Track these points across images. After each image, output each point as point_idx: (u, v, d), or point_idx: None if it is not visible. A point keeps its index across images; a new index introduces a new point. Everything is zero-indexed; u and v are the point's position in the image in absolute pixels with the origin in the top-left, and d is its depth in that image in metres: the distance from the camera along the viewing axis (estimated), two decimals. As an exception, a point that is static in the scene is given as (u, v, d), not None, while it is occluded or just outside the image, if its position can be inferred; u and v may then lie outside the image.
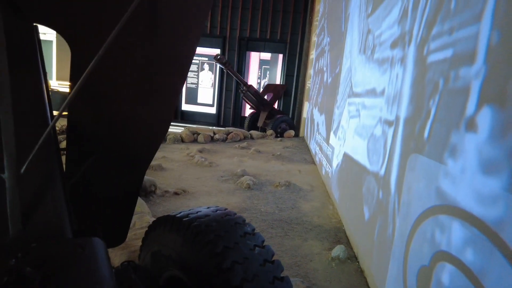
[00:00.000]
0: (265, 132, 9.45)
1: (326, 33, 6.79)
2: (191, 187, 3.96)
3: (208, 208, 1.34)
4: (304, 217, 3.23)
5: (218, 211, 1.30)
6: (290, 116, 11.29)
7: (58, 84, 10.94)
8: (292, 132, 9.54)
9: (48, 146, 0.87)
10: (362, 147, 2.64)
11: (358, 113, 2.97)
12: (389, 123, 2.05)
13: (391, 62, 2.16)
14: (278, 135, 9.47)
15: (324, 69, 6.23)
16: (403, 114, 1.84)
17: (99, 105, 1.07)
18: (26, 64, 1.00)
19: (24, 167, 0.74)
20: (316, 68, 7.94)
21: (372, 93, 2.57)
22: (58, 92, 9.32)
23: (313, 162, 5.98)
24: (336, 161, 3.83)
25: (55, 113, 0.87)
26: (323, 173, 4.74)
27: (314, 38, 9.51)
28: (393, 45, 2.15)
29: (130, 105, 1.11)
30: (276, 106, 11.04)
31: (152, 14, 0.89)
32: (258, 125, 10.11)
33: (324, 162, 4.72)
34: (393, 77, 2.07)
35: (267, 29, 11.67)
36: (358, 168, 2.70)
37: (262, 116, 10.03)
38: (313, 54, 9.50)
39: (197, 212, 1.27)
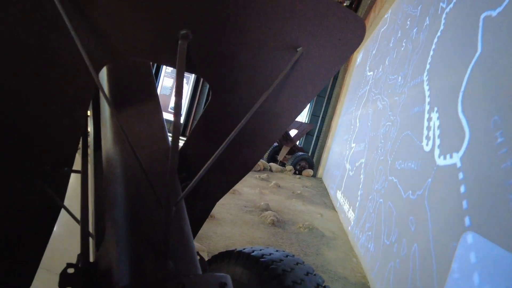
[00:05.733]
0: (284, 166, 9.51)
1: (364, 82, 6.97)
2: (217, 213, 4.01)
3: (277, 251, 1.40)
4: (328, 265, 3.21)
5: (288, 257, 1.36)
6: (310, 155, 11.36)
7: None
8: (310, 172, 9.57)
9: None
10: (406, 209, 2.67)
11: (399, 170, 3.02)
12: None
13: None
14: (297, 171, 9.52)
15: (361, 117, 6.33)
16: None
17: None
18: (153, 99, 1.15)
19: (178, 200, 0.82)
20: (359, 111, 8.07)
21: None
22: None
23: (333, 207, 5.95)
24: (368, 224, 3.83)
25: None
26: (346, 222, 4.72)
27: (348, 84, 9.76)
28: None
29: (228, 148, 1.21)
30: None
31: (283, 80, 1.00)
32: (278, 158, 10.20)
33: (350, 212, 4.71)
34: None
35: (301, 68, 12.06)
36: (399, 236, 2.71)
37: (284, 151, 10.14)
38: (344, 99, 9.71)
39: (270, 254, 1.33)
